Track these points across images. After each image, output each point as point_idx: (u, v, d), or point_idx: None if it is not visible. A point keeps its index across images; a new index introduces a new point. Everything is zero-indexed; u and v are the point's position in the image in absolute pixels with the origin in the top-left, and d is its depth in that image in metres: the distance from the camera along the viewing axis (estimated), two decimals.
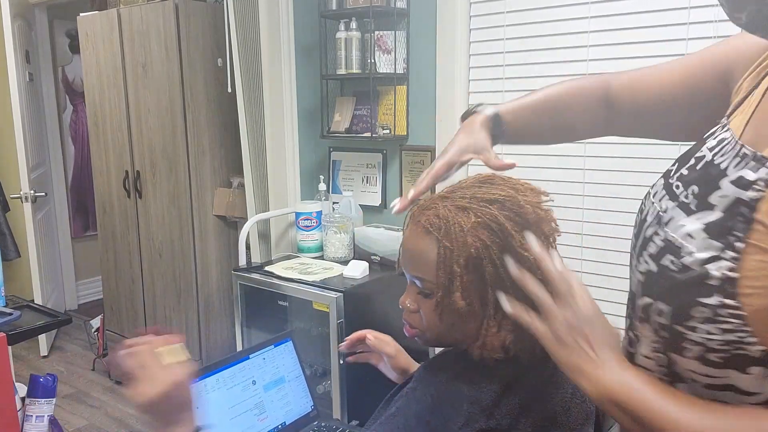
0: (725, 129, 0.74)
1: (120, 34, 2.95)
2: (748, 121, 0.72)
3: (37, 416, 1.53)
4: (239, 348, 2.52)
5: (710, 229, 0.65)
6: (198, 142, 2.85)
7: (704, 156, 0.73)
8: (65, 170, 4.48)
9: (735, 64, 0.81)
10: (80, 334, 3.99)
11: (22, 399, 1.54)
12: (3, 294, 1.66)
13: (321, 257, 2.56)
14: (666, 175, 0.79)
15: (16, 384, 1.53)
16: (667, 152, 1.98)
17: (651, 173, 2.02)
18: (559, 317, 0.73)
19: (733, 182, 0.66)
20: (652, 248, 0.73)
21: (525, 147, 2.29)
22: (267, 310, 2.48)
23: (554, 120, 1.02)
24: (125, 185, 3.09)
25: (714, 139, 0.74)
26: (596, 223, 2.12)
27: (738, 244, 0.62)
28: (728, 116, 0.77)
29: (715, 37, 1.84)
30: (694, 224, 0.67)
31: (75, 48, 4.41)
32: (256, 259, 2.75)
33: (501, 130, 0.99)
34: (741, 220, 0.63)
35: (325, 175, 2.80)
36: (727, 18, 0.67)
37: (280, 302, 2.44)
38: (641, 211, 0.82)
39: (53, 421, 1.57)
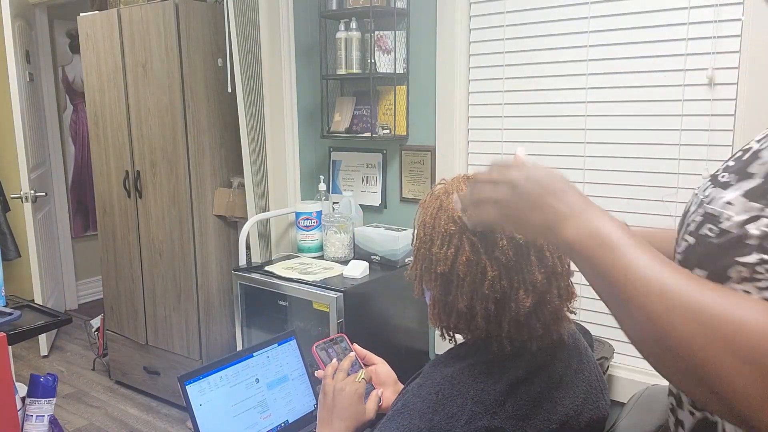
0: None
1: (120, 34, 2.95)
2: None
3: (37, 416, 1.53)
4: (239, 348, 2.52)
5: (750, 194, 0.66)
6: (198, 142, 2.85)
7: (751, 147, 0.76)
8: (65, 170, 4.48)
9: None
10: (80, 333, 3.99)
11: (23, 399, 1.54)
12: (3, 294, 1.66)
13: (321, 257, 2.56)
14: (713, 175, 0.82)
15: (17, 384, 1.53)
16: (665, 152, 1.99)
17: (650, 173, 2.02)
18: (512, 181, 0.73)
19: None
20: (691, 226, 0.74)
21: (524, 134, 2.31)
22: (267, 310, 2.48)
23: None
24: (125, 185, 3.09)
25: (762, 134, 0.78)
26: None
27: None
28: None
29: (714, 36, 1.84)
30: (733, 193, 0.68)
31: (75, 48, 4.41)
32: (256, 259, 2.75)
33: None
34: None
35: (325, 175, 2.80)
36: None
37: (280, 302, 2.44)
38: (686, 207, 0.84)
39: (53, 421, 1.57)
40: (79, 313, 4.42)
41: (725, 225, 0.67)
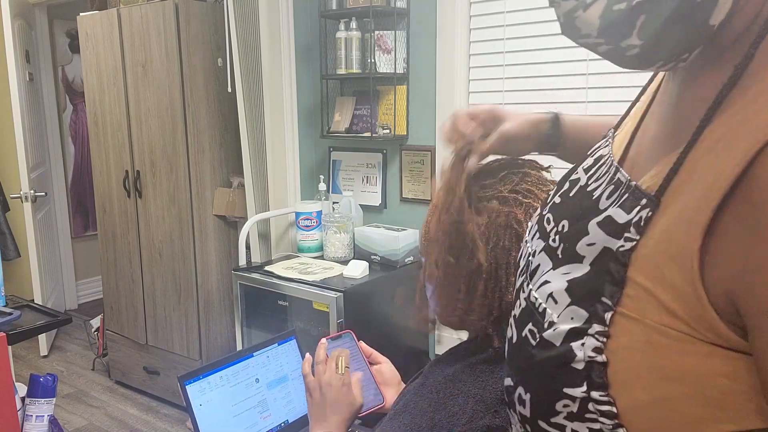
0: (606, 143, 0.60)
1: (120, 34, 2.95)
2: (629, 142, 0.57)
3: (37, 416, 1.53)
4: (239, 348, 2.52)
5: (574, 291, 0.48)
6: (198, 142, 2.85)
7: (579, 179, 0.58)
8: (65, 170, 4.48)
9: None
10: (80, 333, 3.99)
11: (22, 399, 1.54)
12: (3, 294, 1.66)
13: (321, 257, 2.56)
14: (542, 216, 0.62)
15: (16, 384, 1.53)
16: None
17: None
18: None
19: (600, 224, 0.49)
20: (516, 309, 0.56)
21: None
22: (267, 310, 2.48)
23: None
24: (125, 185, 3.09)
25: (591, 157, 0.60)
26: None
27: (608, 314, 0.45)
28: (615, 128, 0.63)
29: None
30: (558, 281, 0.50)
31: (75, 48, 4.41)
32: (256, 259, 2.75)
33: (558, 132, 0.86)
34: (609, 280, 0.46)
35: (325, 174, 2.80)
36: None
37: (280, 302, 2.44)
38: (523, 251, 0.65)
39: (53, 421, 1.57)
40: (79, 313, 4.42)
41: (548, 334, 0.48)
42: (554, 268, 0.52)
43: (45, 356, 3.76)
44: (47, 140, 4.28)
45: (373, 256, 2.44)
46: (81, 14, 3.15)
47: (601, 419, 0.45)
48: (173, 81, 2.78)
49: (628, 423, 0.45)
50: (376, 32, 2.46)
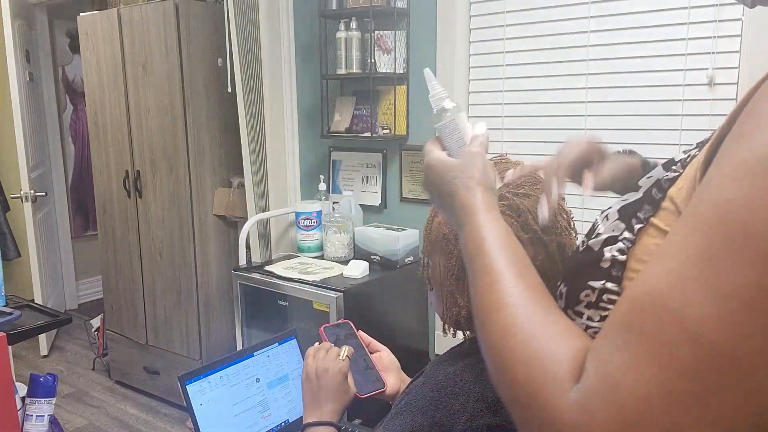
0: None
1: (120, 34, 2.95)
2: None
3: (37, 416, 1.53)
4: (239, 348, 2.52)
5: (623, 210, 0.60)
6: (198, 142, 2.85)
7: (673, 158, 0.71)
8: (65, 170, 4.48)
9: None
10: (80, 333, 3.99)
11: (22, 398, 1.54)
12: (3, 294, 1.67)
13: (321, 257, 2.56)
14: None
15: (17, 383, 1.53)
16: (665, 152, 1.99)
17: None
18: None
19: (664, 165, 0.63)
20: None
21: (524, 133, 2.31)
22: (267, 310, 2.48)
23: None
24: (125, 185, 3.09)
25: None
26: (598, 210, 2.12)
27: (638, 225, 0.57)
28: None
29: (714, 36, 1.84)
30: (616, 205, 0.63)
31: (75, 48, 4.41)
32: (256, 259, 2.75)
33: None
34: (649, 201, 0.58)
35: (325, 174, 2.80)
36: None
37: (280, 302, 2.44)
38: None
39: (53, 421, 1.57)
40: (79, 313, 4.42)
41: (592, 241, 0.61)
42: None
43: (45, 356, 3.76)
44: (47, 140, 4.28)
45: (373, 256, 2.44)
46: (81, 14, 3.15)
47: (609, 306, 0.57)
48: (173, 81, 2.78)
49: None
50: (376, 32, 2.46)
